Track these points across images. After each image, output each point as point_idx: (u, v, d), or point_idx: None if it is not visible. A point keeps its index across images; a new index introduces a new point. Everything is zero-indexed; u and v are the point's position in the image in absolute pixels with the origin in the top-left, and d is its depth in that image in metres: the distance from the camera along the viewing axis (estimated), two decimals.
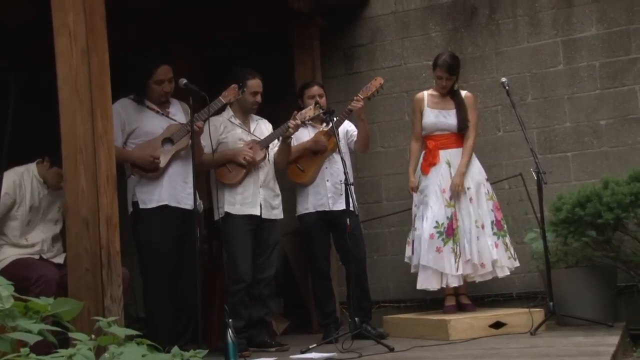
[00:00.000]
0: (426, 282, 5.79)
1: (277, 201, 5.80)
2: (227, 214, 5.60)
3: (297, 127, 5.68)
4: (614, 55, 6.49)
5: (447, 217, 5.77)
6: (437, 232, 5.75)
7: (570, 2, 6.65)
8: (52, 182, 5.12)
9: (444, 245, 5.73)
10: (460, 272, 5.72)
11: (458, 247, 5.74)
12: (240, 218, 5.59)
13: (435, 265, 5.72)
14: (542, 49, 6.71)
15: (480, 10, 6.93)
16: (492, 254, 5.75)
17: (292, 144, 5.84)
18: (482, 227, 5.81)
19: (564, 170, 6.57)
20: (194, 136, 5.01)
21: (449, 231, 5.75)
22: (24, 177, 5.07)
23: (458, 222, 5.79)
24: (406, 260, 6.07)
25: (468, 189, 5.84)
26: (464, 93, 6.08)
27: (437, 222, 5.77)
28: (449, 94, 6.02)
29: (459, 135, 5.98)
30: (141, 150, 5.19)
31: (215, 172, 5.68)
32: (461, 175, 5.83)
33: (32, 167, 5.16)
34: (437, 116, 5.97)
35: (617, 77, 6.48)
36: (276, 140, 5.79)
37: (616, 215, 5.39)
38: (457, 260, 5.72)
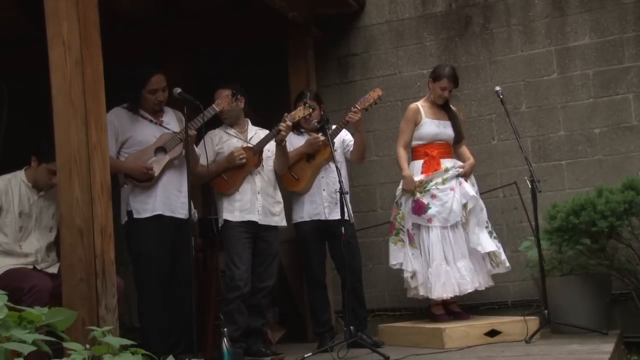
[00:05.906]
0: (441, 290, 5.74)
1: (278, 208, 5.77)
2: (226, 221, 5.59)
3: (288, 129, 5.64)
4: (607, 64, 6.52)
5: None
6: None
7: (563, 12, 6.68)
8: (43, 180, 4.97)
9: None
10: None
11: None
12: (239, 225, 5.57)
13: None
14: (536, 57, 6.73)
15: (475, 19, 6.95)
16: None
17: (288, 149, 5.83)
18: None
19: (558, 178, 6.59)
20: (188, 145, 5.01)
21: None
22: (12, 183, 4.99)
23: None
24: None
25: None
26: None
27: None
28: (442, 106, 6.03)
29: (451, 146, 6.02)
30: (134, 161, 5.17)
31: (212, 184, 5.68)
32: (471, 166, 6.00)
33: (20, 174, 5.06)
34: (438, 126, 5.98)
35: (610, 86, 6.50)
36: (269, 145, 5.78)
37: (610, 224, 5.40)
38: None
